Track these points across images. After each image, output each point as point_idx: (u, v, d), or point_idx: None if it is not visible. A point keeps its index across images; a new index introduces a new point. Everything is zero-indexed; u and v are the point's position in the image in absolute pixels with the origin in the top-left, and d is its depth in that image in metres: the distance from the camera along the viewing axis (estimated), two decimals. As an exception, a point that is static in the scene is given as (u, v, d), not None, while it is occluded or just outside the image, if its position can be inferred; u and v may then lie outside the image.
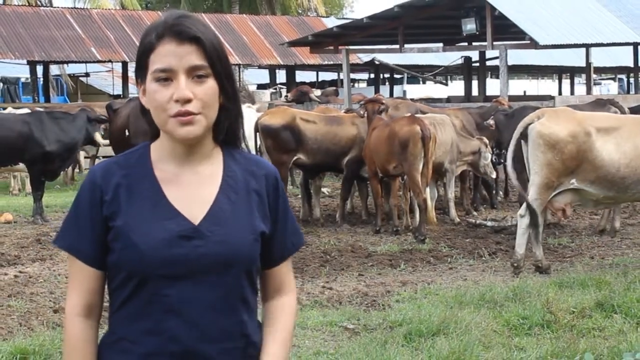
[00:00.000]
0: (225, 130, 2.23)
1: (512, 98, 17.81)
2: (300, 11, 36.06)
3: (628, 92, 33.21)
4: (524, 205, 8.21)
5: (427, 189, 11.07)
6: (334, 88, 24.33)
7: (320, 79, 35.25)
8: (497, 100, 13.47)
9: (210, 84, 2.15)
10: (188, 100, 2.10)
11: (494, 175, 11.97)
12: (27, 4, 29.16)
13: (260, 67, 27.99)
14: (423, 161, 10.10)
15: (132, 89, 25.30)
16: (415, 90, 33.47)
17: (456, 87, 34.02)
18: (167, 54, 2.12)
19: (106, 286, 2.24)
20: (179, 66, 2.12)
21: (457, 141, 11.29)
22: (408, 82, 35.83)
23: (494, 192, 12.81)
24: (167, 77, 2.12)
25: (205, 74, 2.14)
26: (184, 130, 2.12)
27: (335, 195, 13.88)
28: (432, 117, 11.57)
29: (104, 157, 16.17)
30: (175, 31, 2.13)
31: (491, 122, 11.22)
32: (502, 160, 11.76)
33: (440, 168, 11.19)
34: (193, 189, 2.20)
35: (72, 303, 2.21)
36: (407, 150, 10.01)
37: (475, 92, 24.30)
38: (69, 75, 31.12)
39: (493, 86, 26.50)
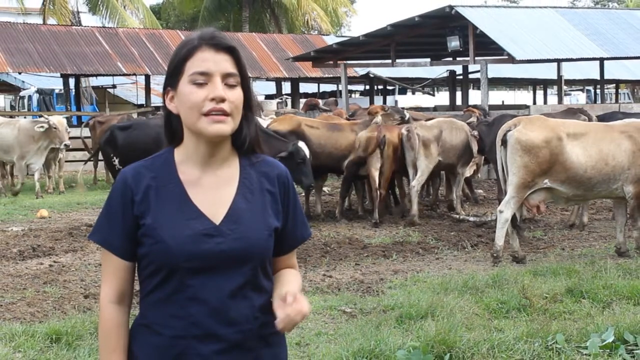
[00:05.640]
0: (246, 139, 2.22)
1: (492, 107, 17.81)
2: (304, 30, 36.05)
3: (595, 101, 33.20)
4: (503, 201, 8.21)
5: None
6: (334, 98, 24.30)
7: (321, 90, 35.18)
8: (469, 109, 13.47)
9: (239, 92, 2.16)
10: (222, 100, 2.11)
11: (479, 175, 12.00)
12: (61, 24, 29.16)
13: (267, 79, 27.91)
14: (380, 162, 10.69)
15: (154, 99, 25.29)
16: (405, 100, 33.44)
17: (442, 98, 33.99)
18: (206, 60, 2.13)
19: (136, 274, 2.25)
20: (215, 70, 2.13)
21: (471, 145, 11.26)
22: (399, 93, 35.80)
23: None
24: (203, 80, 2.12)
25: (236, 82, 2.16)
26: (216, 127, 2.12)
27: (334, 194, 13.89)
28: (450, 121, 11.50)
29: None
30: (212, 42, 2.15)
31: (475, 133, 11.23)
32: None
33: (453, 169, 11.19)
34: (214, 191, 2.20)
35: (105, 291, 2.22)
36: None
37: (459, 101, 24.29)
38: (98, 87, 31.10)
39: (475, 97, 26.49)
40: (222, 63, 2.14)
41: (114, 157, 10.72)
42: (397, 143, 10.92)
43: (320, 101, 19.90)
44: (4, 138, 14.31)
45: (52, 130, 13.95)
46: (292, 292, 2.15)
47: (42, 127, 13.93)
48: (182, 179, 2.20)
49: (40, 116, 16.16)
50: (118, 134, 10.72)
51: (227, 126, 2.13)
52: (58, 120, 14.26)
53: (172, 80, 2.18)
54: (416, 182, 10.79)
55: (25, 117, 21.29)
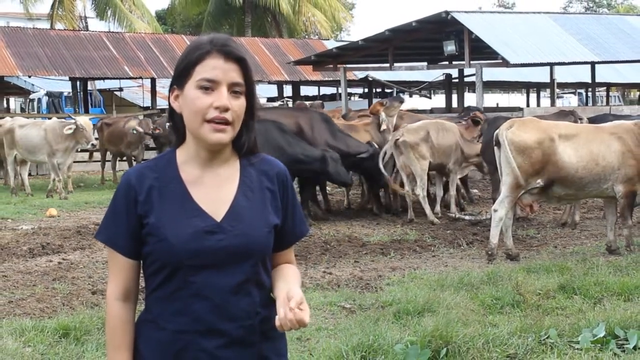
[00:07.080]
0: (245, 144, 2.22)
1: (487, 110, 17.83)
2: (304, 35, 36.05)
3: (586, 104, 33.21)
4: (497, 201, 8.21)
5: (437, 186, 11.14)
6: (320, 101, 24.24)
7: (321, 93, 35.20)
8: (475, 113, 13.48)
9: (242, 101, 2.16)
10: (226, 109, 2.11)
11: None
12: (69, 29, 29.16)
13: (269, 82, 27.92)
14: None
15: (160, 102, 25.30)
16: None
17: (438, 100, 34.01)
18: (215, 67, 2.13)
19: (141, 271, 2.25)
20: (223, 79, 2.12)
21: (462, 145, 11.23)
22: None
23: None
24: (210, 86, 2.12)
25: (241, 91, 2.15)
26: (217, 136, 2.12)
27: (334, 193, 13.88)
28: (438, 122, 11.51)
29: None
30: (224, 50, 2.14)
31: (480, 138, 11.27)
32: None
33: (443, 168, 11.20)
34: (215, 190, 2.20)
35: (111, 289, 2.22)
36: None
37: (454, 104, 24.30)
38: (105, 90, 31.13)
39: (470, 99, 26.49)
40: (230, 72, 2.13)
41: None
42: None
43: (308, 105, 19.93)
44: (30, 139, 14.35)
45: (79, 131, 13.99)
46: (298, 297, 2.10)
47: (70, 129, 13.94)
48: (183, 179, 2.20)
49: (49, 118, 16.14)
50: None
51: (227, 135, 2.14)
52: (85, 120, 14.33)
53: (180, 80, 2.17)
54: (419, 190, 10.73)
55: (34, 119, 21.25)
